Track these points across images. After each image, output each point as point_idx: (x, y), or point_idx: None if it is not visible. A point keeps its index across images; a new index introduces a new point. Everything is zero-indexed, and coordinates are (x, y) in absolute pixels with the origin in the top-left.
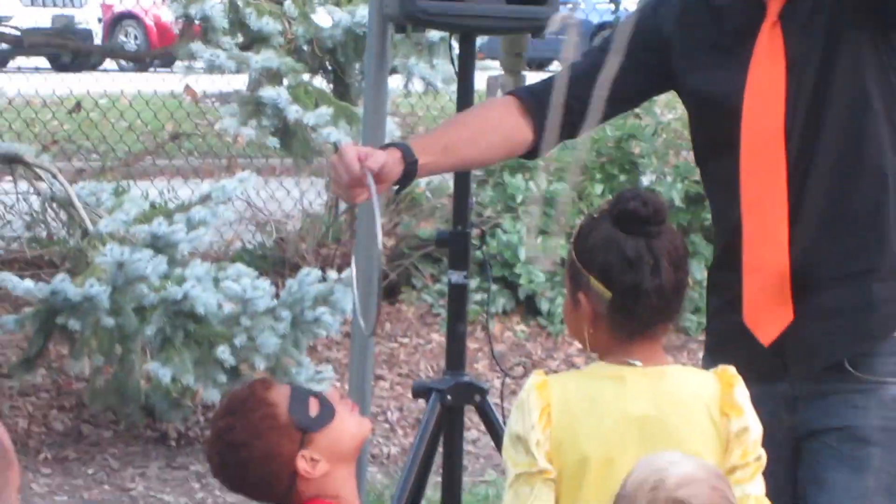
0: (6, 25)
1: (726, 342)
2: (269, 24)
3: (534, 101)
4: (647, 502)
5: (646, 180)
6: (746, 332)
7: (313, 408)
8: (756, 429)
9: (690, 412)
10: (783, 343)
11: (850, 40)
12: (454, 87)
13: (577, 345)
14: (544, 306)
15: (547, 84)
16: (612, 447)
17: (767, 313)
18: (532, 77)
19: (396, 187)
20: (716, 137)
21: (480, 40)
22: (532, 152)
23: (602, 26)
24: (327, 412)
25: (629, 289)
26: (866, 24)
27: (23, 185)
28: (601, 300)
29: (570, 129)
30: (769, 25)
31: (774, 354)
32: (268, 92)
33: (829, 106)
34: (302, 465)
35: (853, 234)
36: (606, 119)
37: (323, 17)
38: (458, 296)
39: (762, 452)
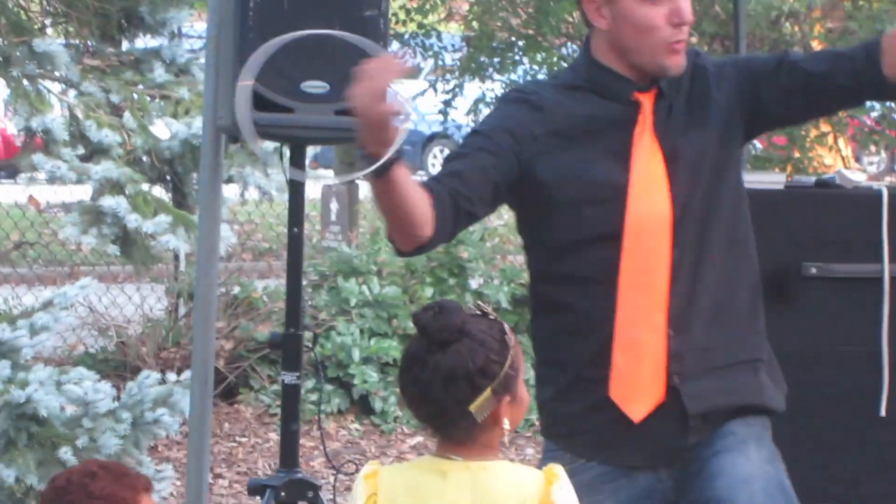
0: None
1: (575, 426)
2: (108, 136)
3: (435, 196)
4: None
5: (474, 283)
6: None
7: None
8: None
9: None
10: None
11: (715, 140)
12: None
13: (410, 442)
14: (378, 405)
15: (439, 181)
16: None
17: (639, 391)
18: (364, 187)
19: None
20: (586, 227)
21: (314, 150)
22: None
23: (433, 136)
24: None
25: (401, 389)
26: (732, 123)
27: None
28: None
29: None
30: (643, 119)
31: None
32: (108, 201)
33: (709, 203)
34: None
35: (738, 327)
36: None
37: (161, 129)
38: (291, 395)
39: None
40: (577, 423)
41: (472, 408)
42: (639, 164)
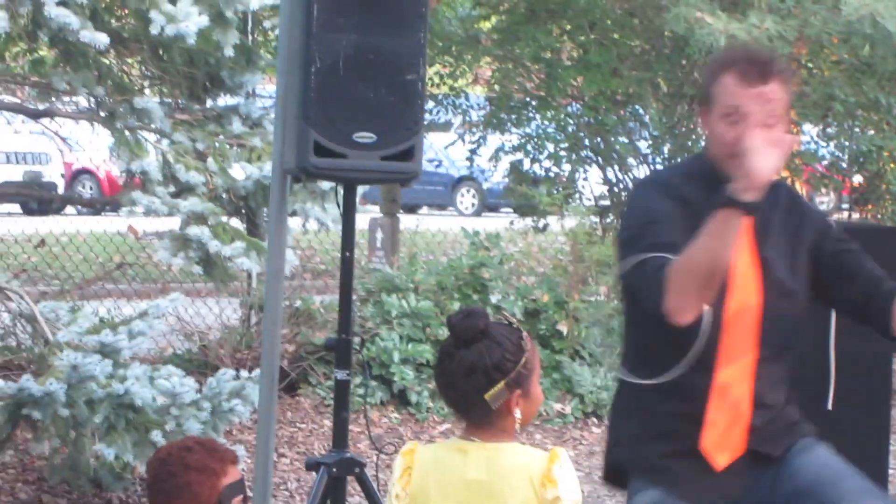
0: None
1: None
2: (194, 177)
3: None
4: None
5: (494, 299)
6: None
7: (238, 501)
8: (569, 497)
9: (515, 480)
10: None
11: (803, 259)
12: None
13: (440, 428)
14: (413, 398)
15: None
16: (451, 503)
17: (726, 446)
18: (404, 219)
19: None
20: None
21: (363, 189)
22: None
23: (461, 179)
24: None
25: (435, 379)
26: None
27: None
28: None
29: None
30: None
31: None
32: (194, 230)
33: (786, 303)
34: None
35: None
36: None
37: (238, 171)
38: (342, 389)
39: None
40: (662, 461)
41: (487, 396)
42: (739, 261)
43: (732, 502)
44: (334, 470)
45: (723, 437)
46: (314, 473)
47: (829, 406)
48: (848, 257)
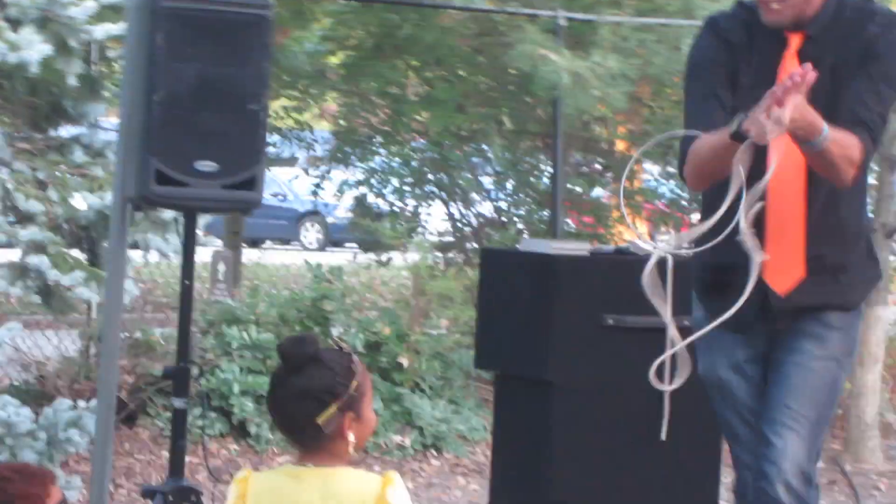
0: None
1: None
2: (34, 206)
3: None
4: None
5: (335, 332)
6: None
7: None
8: None
9: (350, 502)
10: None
11: (847, 83)
12: None
13: (279, 459)
14: (253, 430)
15: None
16: None
17: (784, 271)
18: (247, 252)
19: None
20: None
21: (205, 220)
22: None
23: (305, 214)
24: None
25: (269, 411)
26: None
27: None
28: None
29: None
30: (790, 56)
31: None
32: (33, 259)
33: None
34: None
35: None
36: None
37: (79, 201)
38: (179, 417)
39: None
40: (713, 289)
41: (320, 421)
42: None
43: (754, 347)
44: (170, 498)
45: (774, 271)
46: (150, 502)
47: (663, 436)
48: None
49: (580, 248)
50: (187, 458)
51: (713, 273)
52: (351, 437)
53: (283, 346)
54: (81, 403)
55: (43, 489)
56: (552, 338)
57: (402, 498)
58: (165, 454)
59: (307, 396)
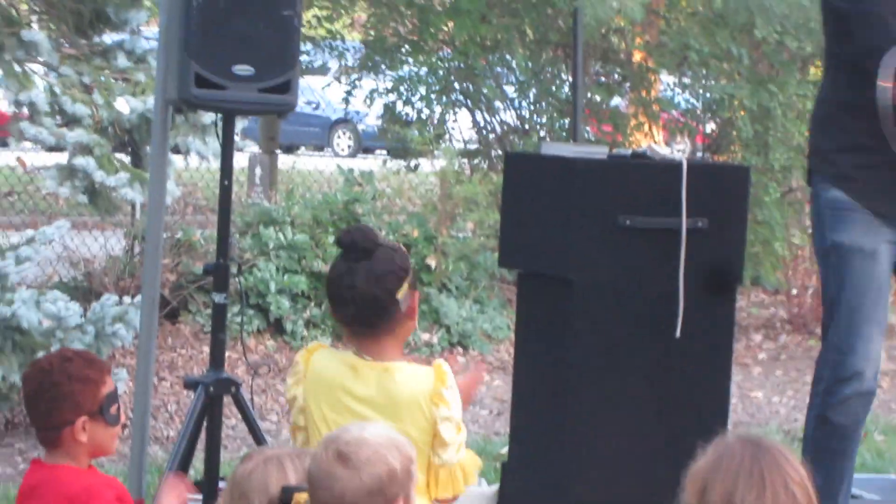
0: None
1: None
2: (81, 109)
3: None
4: (320, 449)
5: None
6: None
7: (114, 409)
8: (455, 414)
9: (405, 399)
10: None
11: None
12: None
13: None
14: (289, 327)
15: None
16: (339, 418)
17: None
18: (282, 158)
19: None
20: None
21: (242, 123)
22: None
23: (338, 121)
24: (115, 420)
25: (333, 299)
26: None
27: None
28: (331, 311)
29: None
30: None
31: None
32: (80, 161)
33: None
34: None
35: None
36: None
37: (123, 105)
38: (219, 312)
39: (463, 429)
40: (851, 171)
41: (399, 295)
42: None
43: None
44: (211, 389)
45: None
46: (193, 393)
47: (678, 334)
48: None
49: (599, 151)
50: (227, 353)
51: (853, 155)
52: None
53: (349, 237)
54: (126, 299)
55: (100, 375)
56: (571, 237)
57: (454, 392)
58: (206, 349)
59: (388, 274)
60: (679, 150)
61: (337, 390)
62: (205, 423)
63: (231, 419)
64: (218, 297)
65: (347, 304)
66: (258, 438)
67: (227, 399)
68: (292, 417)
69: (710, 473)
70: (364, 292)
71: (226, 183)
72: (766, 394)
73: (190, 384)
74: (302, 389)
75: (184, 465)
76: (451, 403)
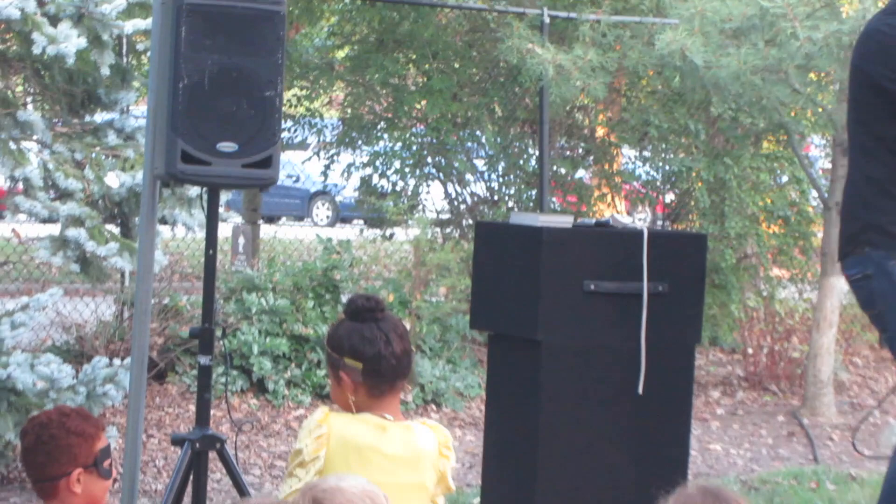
0: None
1: None
2: (73, 184)
3: None
4: (299, 496)
5: (344, 298)
6: None
7: (107, 464)
8: (454, 464)
9: (426, 454)
10: None
11: None
12: None
13: (294, 413)
14: (271, 387)
15: None
16: (368, 475)
17: None
18: (264, 228)
19: None
20: None
21: (226, 196)
22: None
23: (317, 193)
24: (108, 474)
25: (372, 357)
26: None
27: None
28: (356, 371)
29: None
30: None
31: None
32: (72, 232)
33: None
34: (73, 476)
35: None
36: None
37: (112, 180)
38: (204, 373)
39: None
40: None
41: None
42: None
43: None
44: (197, 445)
45: None
46: (180, 450)
47: (640, 391)
48: None
49: (564, 220)
50: (212, 411)
51: None
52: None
53: (362, 300)
54: (116, 362)
55: (95, 431)
56: (540, 301)
57: (452, 444)
58: (192, 408)
59: (405, 332)
60: (640, 220)
61: (366, 451)
62: (191, 478)
63: (216, 473)
64: (203, 359)
65: (387, 359)
66: (242, 491)
67: (212, 455)
68: (304, 476)
69: None
70: (400, 346)
71: (210, 252)
72: (725, 446)
73: (177, 441)
74: (325, 452)
75: None
76: (452, 456)
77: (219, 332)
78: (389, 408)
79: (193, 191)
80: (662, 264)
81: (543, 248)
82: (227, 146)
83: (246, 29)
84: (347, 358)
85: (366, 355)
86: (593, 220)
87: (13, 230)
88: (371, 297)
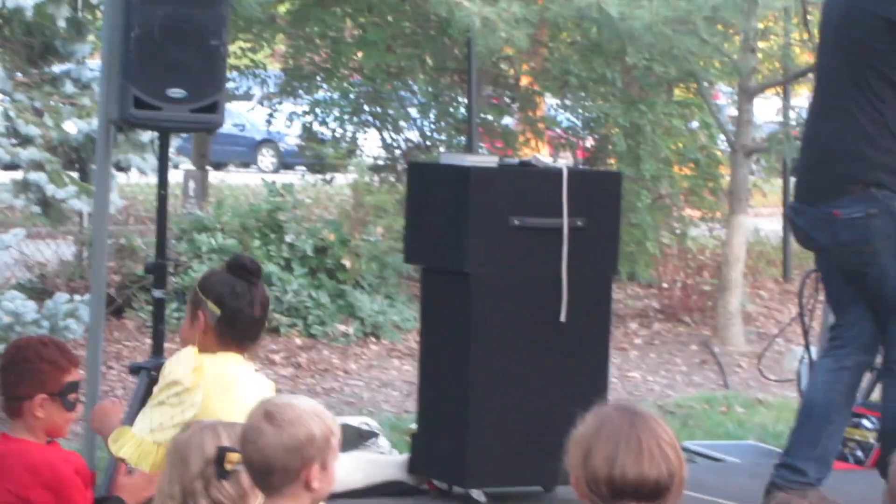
0: None
1: None
2: (33, 130)
3: None
4: (253, 409)
5: (288, 238)
6: None
7: (73, 397)
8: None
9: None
10: None
11: None
12: None
13: None
14: None
15: None
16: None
17: None
18: (213, 174)
19: None
20: None
21: (177, 142)
22: None
23: (261, 142)
24: (72, 406)
25: (233, 309)
26: None
27: None
28: (213, 315)
29: None
30: None
31: None
32: (33, 176)
33: None
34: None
35: None
36: None
37: (70, 126)
38: (159, 306)
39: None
40: None
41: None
42: None
43: None
44: (153, 373)
45: None
46: (137, 379)
47: (563, 318)
48: None
49: (490, 160)
50: (165, 344)
51: None
52: None
53: (247, 261)
54: (77, 298)
55: (67, 364)
56: (468, 236)
57: None
58: (148, 341)
59: (266, 307)
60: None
61: (235, 383)
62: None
63: None
64: (157, 293)
65: (243, 319)
66: None
67: None
68: (177, 404)
69: (592, 439)
70: (258, 313)
71: (162, 192)
72: (642, 374)
73: (134, 369)
74: (203, 382)
75: None
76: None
77: (171, 269)
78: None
79: (146, 136)
80: (581, 201)
81: (471, 186)
82: (176, 92)
83: None
84: (211, 302)
85: (228, 306)
86: (517, 161)
87: None
88: (255, 262)
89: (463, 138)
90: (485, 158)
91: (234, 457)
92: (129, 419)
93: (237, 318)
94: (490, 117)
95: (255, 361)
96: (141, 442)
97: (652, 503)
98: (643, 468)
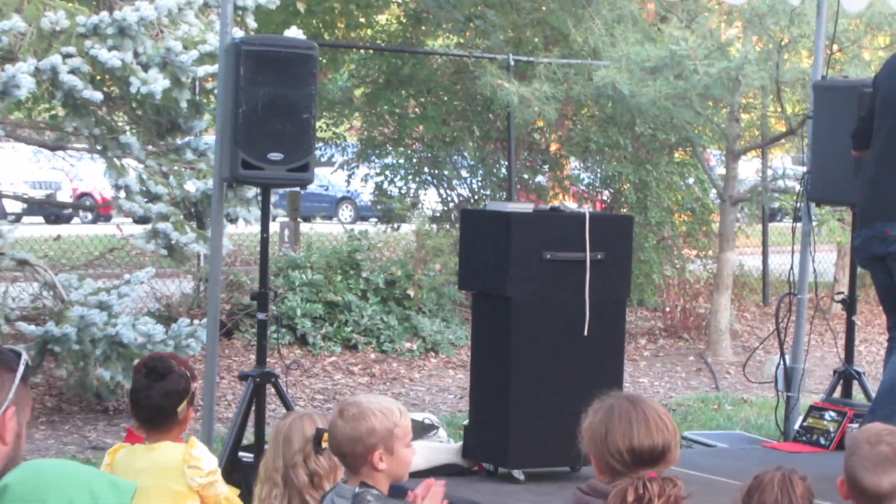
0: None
1: None
2: (161, 189)
3: None
4: (335, 406)
5: (364, 273)
6: None
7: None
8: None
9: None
10: None
11: None
12: None
13: (328, 360)
14: (310, 340)
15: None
16: None
17: None
18: (302, 225)
19: None
20: None
21: (275, 198)
22: None
23: (341, 199)
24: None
25: (138, 404)
26: None
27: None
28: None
29: None
30: None
31: None
32: (161, 225)
33: None
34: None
35: None
36: None
37: (190, 186)
38: (262, 326)
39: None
40: None
41: (179, 409)
42: None
43: None
44: (258, 380)
45: None
46: (244, 385)
47: (585, 333)
48: None
49: (527, 207)
50: (267, 358)
51: None
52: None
53: (149, 363)
54: (196, 322)
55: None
56: (510, 267)
57: (203, 452)
58: (253, 357)
59: (172, 393)
60: (585, 208)
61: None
62: (253, 409)
63: (272, 405)
64: (261, 315)
65: (138, 408)
66: None
67: (269, 390)
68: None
69: (607, 422)
70: (154, 403)
71: (264, 236)
72: (650, 380)
73: (243, 377)
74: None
75: (240, 435)
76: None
77: (271, 297)
78: (157, 436)
79: (250, 192)
80: (600, 238)
81: (512, 227)
82: (275, 155)
83: (288, 67)
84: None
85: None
86: (548, 207)
87: (117, 226)
88: (156, 360)
89: (503, 193)
90: (522, 206)
91: (328, 436)
92: (240, 416)
93: (134, 409)
94: (526, 176)
95: (339, 372)
96: None
97: (660, 465)
98: (652, 436)
